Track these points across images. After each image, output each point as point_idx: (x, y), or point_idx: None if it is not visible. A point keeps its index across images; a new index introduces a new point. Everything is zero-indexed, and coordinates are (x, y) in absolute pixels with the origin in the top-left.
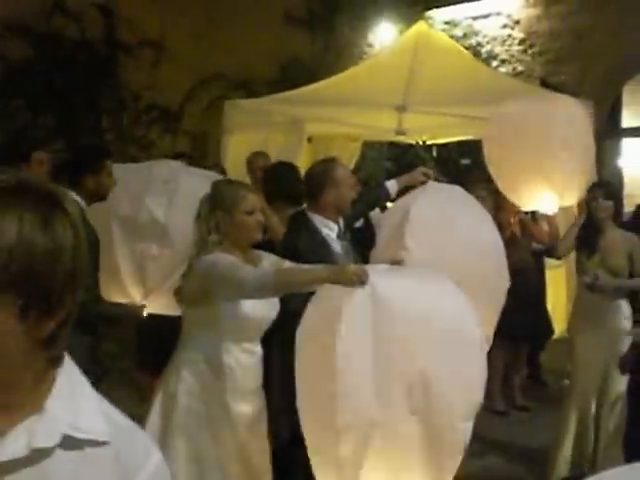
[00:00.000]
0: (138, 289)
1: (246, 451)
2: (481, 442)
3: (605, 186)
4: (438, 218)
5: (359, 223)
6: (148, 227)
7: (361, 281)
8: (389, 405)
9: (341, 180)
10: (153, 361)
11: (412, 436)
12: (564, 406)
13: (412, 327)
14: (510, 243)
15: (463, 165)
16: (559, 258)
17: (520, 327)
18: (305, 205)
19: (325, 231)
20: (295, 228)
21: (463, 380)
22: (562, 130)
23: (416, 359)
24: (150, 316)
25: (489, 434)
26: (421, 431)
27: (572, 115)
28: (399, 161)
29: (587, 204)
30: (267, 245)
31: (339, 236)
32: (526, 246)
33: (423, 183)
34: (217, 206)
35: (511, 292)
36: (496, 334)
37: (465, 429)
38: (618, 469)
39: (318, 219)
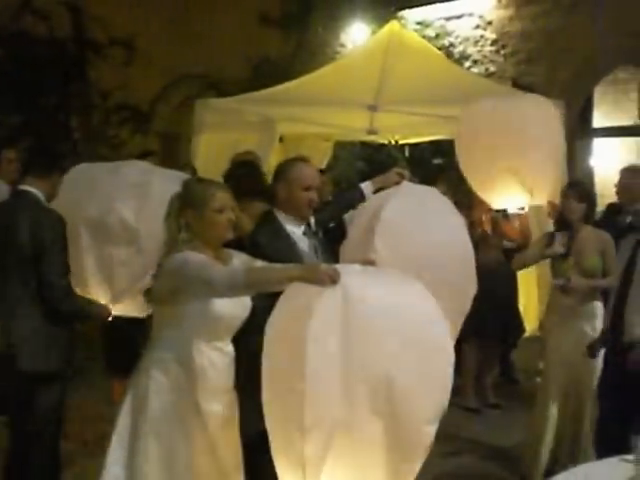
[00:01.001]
0: (105, 295)
1: (217, 450)
2: (454, 440)
3: (577, 187)
4: (409, 220)
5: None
6: (118, 231)
7: (333, 281)
8: (354, 405)
9: (293, 180)
10: (121, 363)
11: (376, 437)
12: (540, 404)
13: (381, 328)
14: (481, 241)
15: (435, 165)
16: (515, 270)
17: (492, 325)
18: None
19: (290, 228)
20: (260, 225)
21: (429, 383)
22: (533, 129)
23: (383, 360)
24: (117, 318)
25: (462, 432)
26: (384, 432)
27: (543, 115)
28: (371, 161)
29: (561, 206)
30: (236, 243)
31: (305, 233)
32: (497, 244)
33: (398, 183)
34: (187, 204)
35: (482, 291)
36: (468, 333)
37: (429, 432)
38: (589, 464)
39: (283, 216)
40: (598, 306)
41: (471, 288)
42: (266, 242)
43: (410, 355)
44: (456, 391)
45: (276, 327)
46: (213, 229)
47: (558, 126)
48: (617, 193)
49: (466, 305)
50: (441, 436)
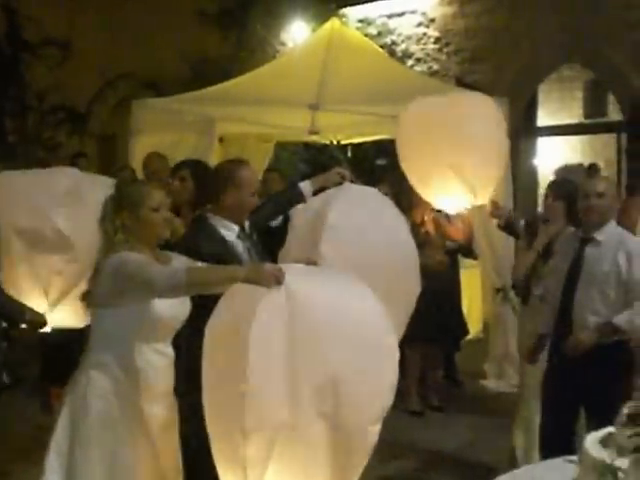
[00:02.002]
0: (41, 305)
1: (158, 454)
2: (396, 443)
3: (555, 186)
4: (352, 223)
5: (277, 222)
6: (52, 240)
7: (277, 281)
8: (298, 407)
9: (244, 182)
10: (58, 371)
11: (319, 438)
12: (521, 409)
13: (325, 330)
14: (424, 242)
15: (378, 165)
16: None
17: (435, 327)
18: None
19: (223, 232)
20: (193, 230)
21: (373, 384)
22: (475, 128)
23: (328, 362)
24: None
25: (404, 435)
26: (329, 434)
27: (485, 113)
28: (313, 162)
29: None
30: (167, 247)
31: (239, 237)
32: (440, 245)
33: (339, 184)
34: (122, 205)
35: (425, 292)
36: (411, 335)
37: (373, 432)
38: (534, 465)
39: (217, 220)
40: None
41: (415, 288)
42: (201, 246)
43: (355, 356)
44: (399, 394)
45: (217, 328)
46: (150, 228)
47: (501, 124)
48: None
49: (410, 306)
50: (383, 439)
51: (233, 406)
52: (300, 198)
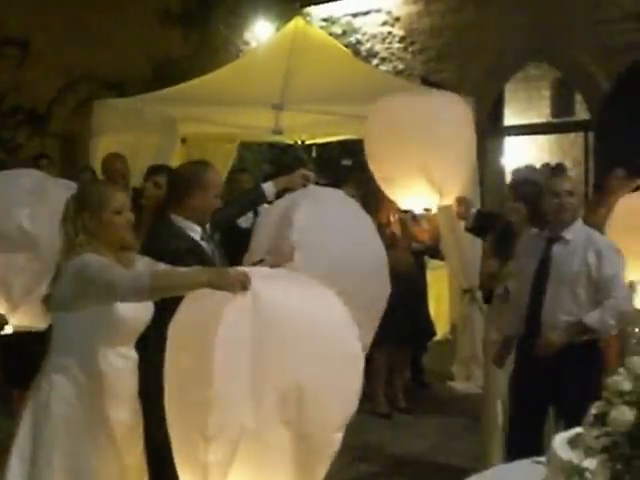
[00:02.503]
0: (2, 304)
1: (123, 459)
2: (365, 446)
3: (517, 187)
4: (319, 223)
5: (248, 223)
6: (15, 238)
7: (243, 287)
8: (262, 413)
9: (210, 184)
10: (20, 375)
11: (282, 445)
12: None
13: (291, 336)
14: (390, 243)
15: (344, 166)
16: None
17: (401, 329)
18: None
19: (189, 233)
20: (157, 229)
21: (338, 392)
22: (442, 127)
23: (293, 368)
24: (15, 330)
25: (372, 437)
26: (291, 440)
27: (453, 112)
28: (278, 163)
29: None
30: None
31: (203, 238)
32: (406, 246)
33: (303, 186)
34: (84, 206)
35: (392, 293)
36: (378, 337)
37: (336, 439)
38: (501, 466)
39: (180, 221)
40: None
41: (384, 290)
42: (167, 244)
43: (321, 363)
44: (366, 396)
45: (180, 332)
46: (112, 231)
47: (469, 124)
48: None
49: (381, 308)
50: (350, 442)
51: (196, 410)
52: (263, 199)
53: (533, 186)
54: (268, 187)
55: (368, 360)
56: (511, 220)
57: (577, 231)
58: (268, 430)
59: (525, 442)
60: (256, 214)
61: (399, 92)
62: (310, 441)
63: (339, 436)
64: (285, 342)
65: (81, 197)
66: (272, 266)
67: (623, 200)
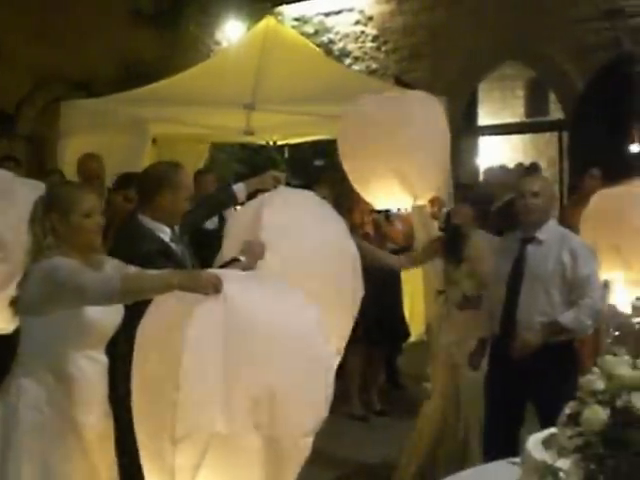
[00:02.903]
0: None
1: (94, 464)
2: (341, 448)
3: (463, 188)
4: (290, 224)
5: (213, 225)
6: None
7: (216, 289)
8: (233, 417)
9: (181, 185)
10: None
11: (252, 449)
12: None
13: (262, 339)
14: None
15: (316, 166)
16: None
17: (375, 330)
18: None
19: (159, 234)
20: (126, 231)
21: (309, 396)
22: (415, 127)
23: (264, 373)
24: None
25: (349, 440)
26: (262, 445)
27: (427, 112)
28: (250, 163)
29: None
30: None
31: (172, 240)
32: (380, 246)
33: (274, 187)
34: (52, 208)
35: (365, 294)
36: (351, 338)
37: (307, 444)
38: (477, 467)
39: (150, 222)
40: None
41: (358, 293)
42: (137, 246)
43: (292, 366)
44: (341, 398)
45: (148, 333)
46: (81, 234)
47: (443, 123)
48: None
49: (354, 310)
50: (325, 445)
51: (163, 412)
52: (233, 201)
53: (480, 189)
54: (239, 188)
55: (342, 361)
56: (456, 222)
57: (550, 231)
58: (238, 434)
59: (502, 443)
60: (221, 216)
61: (372, 92)
62: (280, 446)
63: (309, 441)
64: (256, 345)
65: (50, 199)
66: (245, 268)
67: (594, 197)
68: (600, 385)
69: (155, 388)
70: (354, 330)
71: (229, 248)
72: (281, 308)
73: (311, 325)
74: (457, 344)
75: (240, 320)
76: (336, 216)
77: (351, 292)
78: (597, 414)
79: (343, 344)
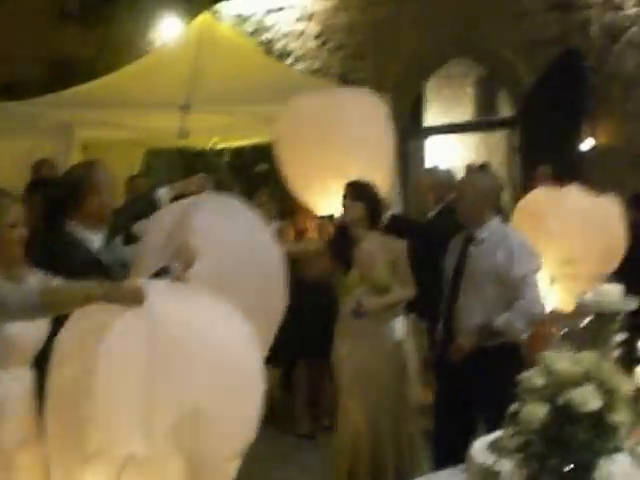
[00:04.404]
0: None
1: None
2: (290, 467)
3: (352, 185)
4: (220, 232)
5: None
6: None
7: (138, 301)
8: (153, 438)
9: (103, 185)
10: None
11: (173, 473)
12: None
13: (187, 355)
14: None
15: (259, 172)
16: None
17: (322, 342)
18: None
19: (85, 244)
20: (50, 240)
21: (237, 415)
22: (354, 125)
23: (190, 390)
24: None
25: (296, 459)
26: (184, 468)
27: (364, 109)
28: (190, 169)
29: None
30: None
31: (103, 247)
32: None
33: (199, 192)
34: None
35: (310, 305)
36: (298, 351)
37: (231, 468)
38: (425, 476)
39: (76, 230)
40: (397, 325)
41: (280, 302)
42: (62, 256)
43: (219, 385)
44: (288, 416)
45: (65, 345)
46: (4, 246)
47: (383, 121)
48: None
49: (276, 320)
50: (273, 465)
51: (74, 427)
52: (157, 204)
53: (370, 187)
54: (163, 193)
55: (289, 377)
56: (346, 221)
57: (491, 230)
58: (159, 457)
59: (451, 451)
60: None
61: (309, 92)
62: (203, 469)
63: (235, 464)
64: (180, 361)
65: None
66: (175, 276)
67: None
68: (540, 381)
69: (68, 401)
70: (299, 342)
71: (149, 252)
72: (208, 321)
73: (240, 338)
74: (352, 356)
75: (163, 334)
76: (260, 224)
77: (273, 304)
78: (534, 411)
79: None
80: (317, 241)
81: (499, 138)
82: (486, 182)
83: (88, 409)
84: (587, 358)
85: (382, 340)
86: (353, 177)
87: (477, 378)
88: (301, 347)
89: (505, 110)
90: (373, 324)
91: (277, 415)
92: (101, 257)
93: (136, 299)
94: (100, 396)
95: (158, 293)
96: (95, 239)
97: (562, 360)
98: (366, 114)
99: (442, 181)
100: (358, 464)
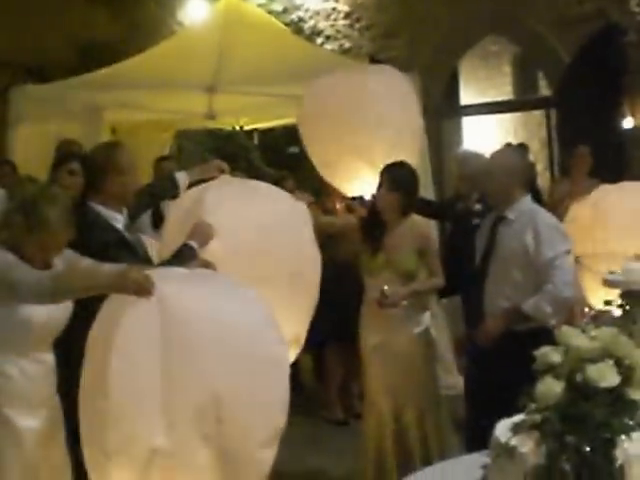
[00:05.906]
0: None
1: (37, 470)
2: (323, 454)
3: (390, 172)
4: (236, 210)
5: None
6: None
7: (145, 291)
8: (176, 429)
9: (126, 166)
10: None
11: (202, 464)
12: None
13: (205, 343)
14: (337, 234)
15: (290, 153)
16: None
17: (354, 327)
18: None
19: (113, 223)
20: (84, 224)
21: (261, 402)
22: (379, 105)
23: (209, 379)
24: None
25: (330, 445)
26: (213, 459)
27: (390, 89)
28: (221, 152)
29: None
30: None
31: (126, 227)
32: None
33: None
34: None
35: (341, 288)
36: (329, 336)
37: (265, 456)
38: (450, 460)
39: (103, 210)
40: (426, 317)
41: (315, 278)
42: (89, 236)
43: (239, 370)
44: (320, 402)
45: (91, 338)
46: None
47: (411, 100)
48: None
49: (313, 297)
50: (306, 452)
51: (95, 423)
52: (175, 189)
53: (408, 173)
54: (181, 177)
55: (320, 362)
56: (379, 207)
57: (521, 210)
58: (185, 449)
59: (482, 437)
60: None
61: (332, 71)
62: (234, 460)
63: (269, 452)
64: (199, 350)
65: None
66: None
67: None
68: (556, 358)
69: (90, 396)
70: (331, 326)
71: (170, 235)
72: (225, 307)
73: (260, 322)
74: (377, 341)
75: (178, 322)
76: (290, 205)
77: (307, 282)
78: (551, 387)
79: (303, 330)
80: (348, 216)
81: (540, 119)
82: (515, 160)
83: (103, 404)
84: (605, 334)
85: (408, 327)
86: (379, 158)
87: (508, 362)
88: (332, 330)
89: (546, 90)
90: (400, 312)
91: (310, 401)
92: (128, 238)
93: (143, 288)
94: (115, 390)
95: (169, 281)
96: (119, 220)
97: (579, 336)
98: (389, 92)
99: (472, 169)
100: (384, 452)
